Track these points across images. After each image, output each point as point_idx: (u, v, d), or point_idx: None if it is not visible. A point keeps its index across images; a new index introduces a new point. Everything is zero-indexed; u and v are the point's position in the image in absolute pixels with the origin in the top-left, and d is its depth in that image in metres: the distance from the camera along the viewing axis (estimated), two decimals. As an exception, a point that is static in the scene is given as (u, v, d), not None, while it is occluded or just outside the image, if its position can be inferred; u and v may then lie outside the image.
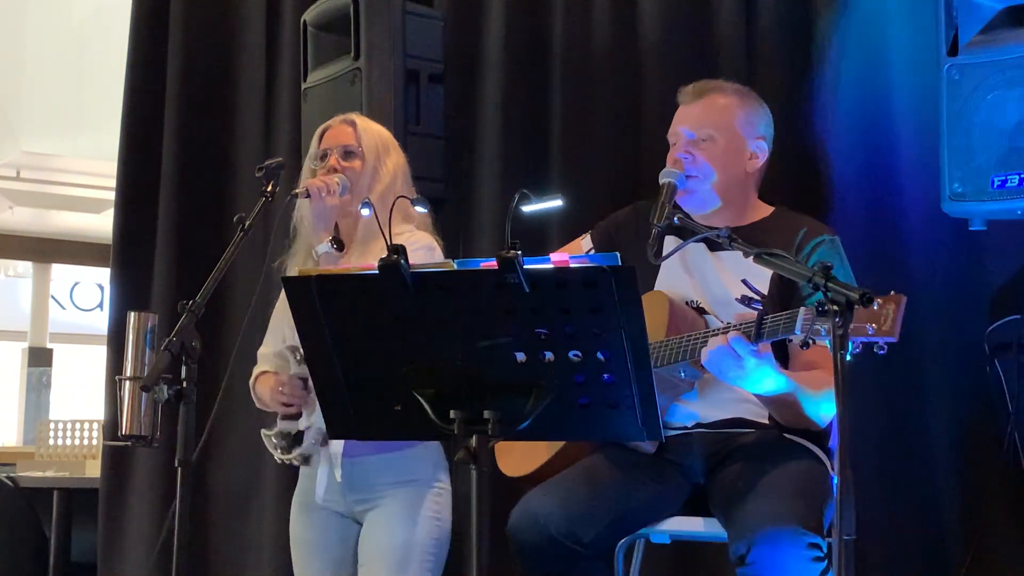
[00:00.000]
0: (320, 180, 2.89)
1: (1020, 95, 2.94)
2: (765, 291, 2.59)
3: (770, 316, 2.46)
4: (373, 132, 3.01)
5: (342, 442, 2.83)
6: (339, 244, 2.89)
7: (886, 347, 2.22)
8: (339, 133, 2.99)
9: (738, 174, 2.86)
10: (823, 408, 2.64)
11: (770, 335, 2.46)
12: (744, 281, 2.45)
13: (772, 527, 2.42)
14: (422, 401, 2.01)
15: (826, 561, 2.43)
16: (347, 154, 2.95)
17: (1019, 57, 2.96)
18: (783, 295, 2.68)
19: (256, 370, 2.99)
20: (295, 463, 2.88)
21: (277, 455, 2.87)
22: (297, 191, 2.87)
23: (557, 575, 2.62)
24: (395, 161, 3.00)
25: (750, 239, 2.53)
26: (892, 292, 2.24)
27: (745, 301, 2.42)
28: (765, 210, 2.91)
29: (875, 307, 2.20)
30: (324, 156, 2.96)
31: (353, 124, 3.00)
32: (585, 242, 3.05)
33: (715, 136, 2.84)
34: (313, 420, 2.80)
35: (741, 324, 2.52)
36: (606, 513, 2.64)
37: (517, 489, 2.83)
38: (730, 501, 2.59)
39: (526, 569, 2.65)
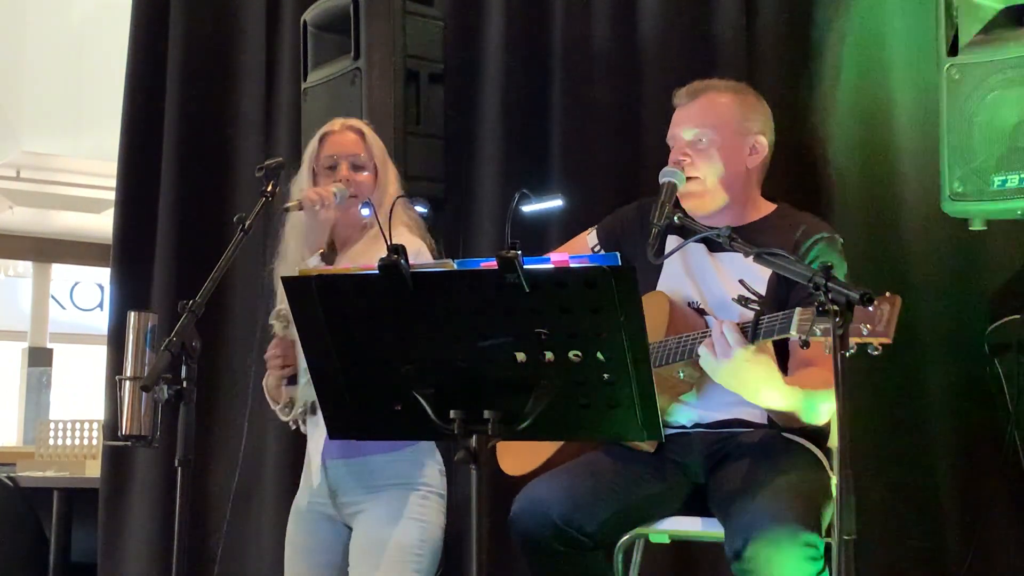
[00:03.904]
0: (315, 193, 2.86)
1: (1020, 95, 2.94)
2: (763, 292, 2.59)
3: (767, 316, 2.46)
4: (377, 143, 3.01)
5: (320, 445, 2.84)
6: (328, 258, 2.88)
7: (880, 348, 2.22)
8: (346, 141, 2.97)
9: (738, 172, 2.85)
10: (820, 406, 2.64)
11: (766, 334, 2.46)
12: (741, 281, 2.45)
13: (769, 525, 2.42)
14: (422, 401, 2.01)
15: (823, 561, 2.43)
16: (356, 167, 2.94)
17: (1019, 57, 2.96)
18: (780, 296, 2.68)
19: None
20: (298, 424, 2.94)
21: (288, 417, 2.94)
22: (290, 205, 2.85)
23: (559, 563, 2.63)
24: (393, 169, 3.03)
25: (750, 238, 2.53)
26: (888, 293, 2.24)
27: (742, 301, 2.42)
28: (767, 208, 2.91)
29: (870, 308, 2.20)
30: (332, 166, 2.94)
31: (361, 133, 2.99)
32: (591, 238, 3.05)
33: (712, 135, 2.84)
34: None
35: (739, 323, 2.52)
36: (609, 505, 2.65)
37: (517, 488, 2.83)
38: (729, 499, 2.59)
39: (528, 557, 2.66)
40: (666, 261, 2.86)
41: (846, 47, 3.57)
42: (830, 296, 2.15)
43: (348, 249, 2.93)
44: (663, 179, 2.78)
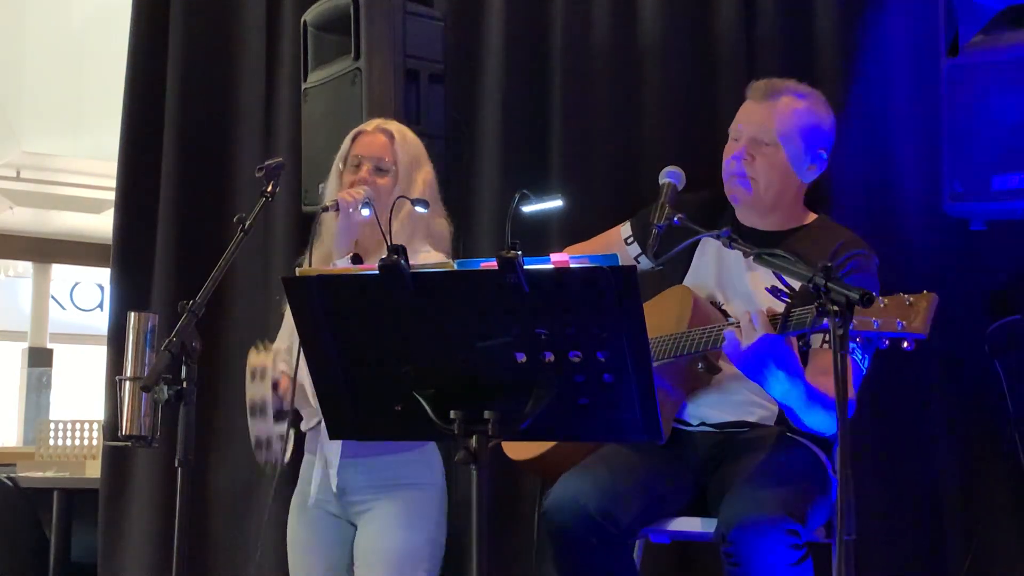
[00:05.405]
0: (348, 194, 2.83)
1: (1020, 95, 2.94)
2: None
3: (798, 309, 2.46)
4: (408, 147, 2.95)
5: (338, 446, 2.83)
6: (358, 260, 2.85)
7: (914, 344, 2.23)
8: (375, 143, 2.94)
9: (795, 182, 2.86)
10: (829, 411, 2.62)
11: (796, 327, 2.46)
12: (776, 274, 2.43)
13: (753, 510, 2.46)
14: (422, 401, 2.01)
15: (804, 549, 2.46)
16: (379, 170, 2.90)
17: (1019, 57, 2.96)
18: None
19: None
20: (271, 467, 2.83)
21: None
22: (328, 205, 2.82)
23: (590, 556, 2.64)
24: (424, 176, 2.96)
25: (789, 245, 2.55)
26: (925, 291, 2.25)
27: (775, 292, 2.41)
28: (808, 217, 2.92)
29: (907, 303, 2.21)
30: (357, 164, 2.92)
31: (391, 137, 2.94)
32: (624, 229, 3.06)
33: (778, 142, 2.82)
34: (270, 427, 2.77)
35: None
36: (640, 498, 2.68)
37: (516, 488, 2.83)
38: (724, 491, 2.62)
39: (560, 550, 2.67)
40: (697, 259, 2.87)
41: (846, 47, 3.57)
42: (830, 296, 2.16)
43: (372, 257, 2.88)
44: (663, 179, 2.78)
